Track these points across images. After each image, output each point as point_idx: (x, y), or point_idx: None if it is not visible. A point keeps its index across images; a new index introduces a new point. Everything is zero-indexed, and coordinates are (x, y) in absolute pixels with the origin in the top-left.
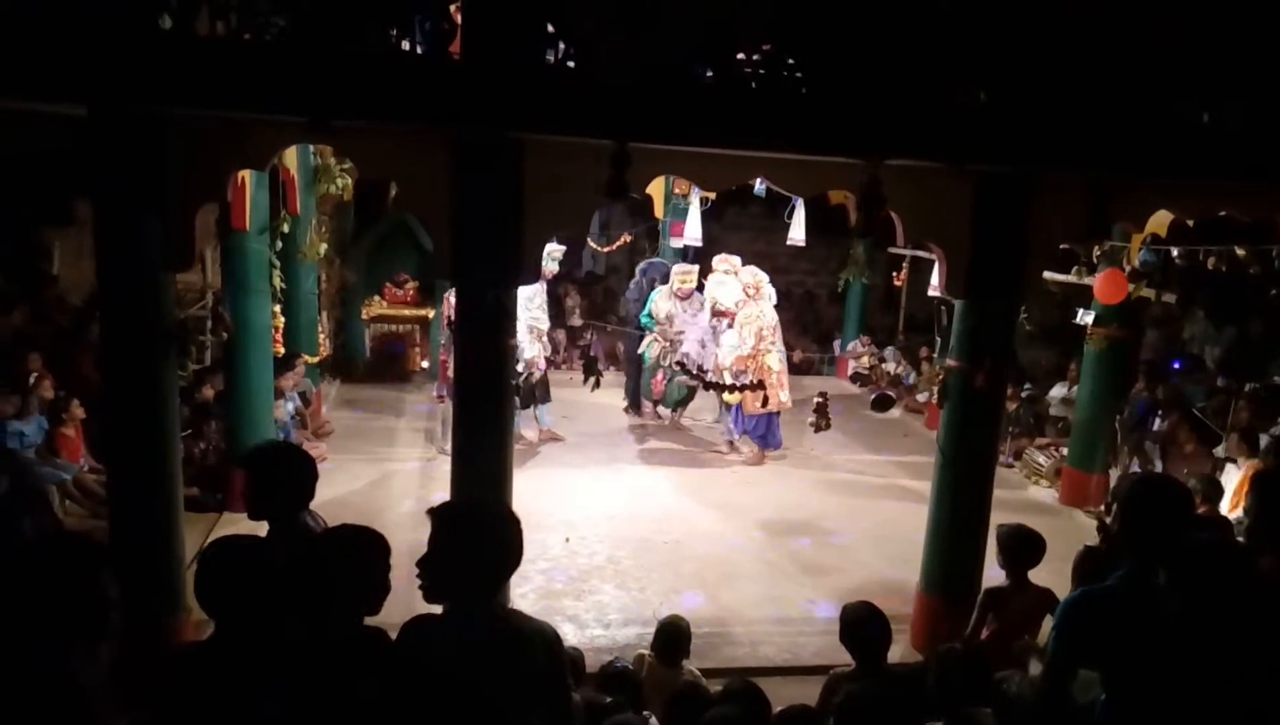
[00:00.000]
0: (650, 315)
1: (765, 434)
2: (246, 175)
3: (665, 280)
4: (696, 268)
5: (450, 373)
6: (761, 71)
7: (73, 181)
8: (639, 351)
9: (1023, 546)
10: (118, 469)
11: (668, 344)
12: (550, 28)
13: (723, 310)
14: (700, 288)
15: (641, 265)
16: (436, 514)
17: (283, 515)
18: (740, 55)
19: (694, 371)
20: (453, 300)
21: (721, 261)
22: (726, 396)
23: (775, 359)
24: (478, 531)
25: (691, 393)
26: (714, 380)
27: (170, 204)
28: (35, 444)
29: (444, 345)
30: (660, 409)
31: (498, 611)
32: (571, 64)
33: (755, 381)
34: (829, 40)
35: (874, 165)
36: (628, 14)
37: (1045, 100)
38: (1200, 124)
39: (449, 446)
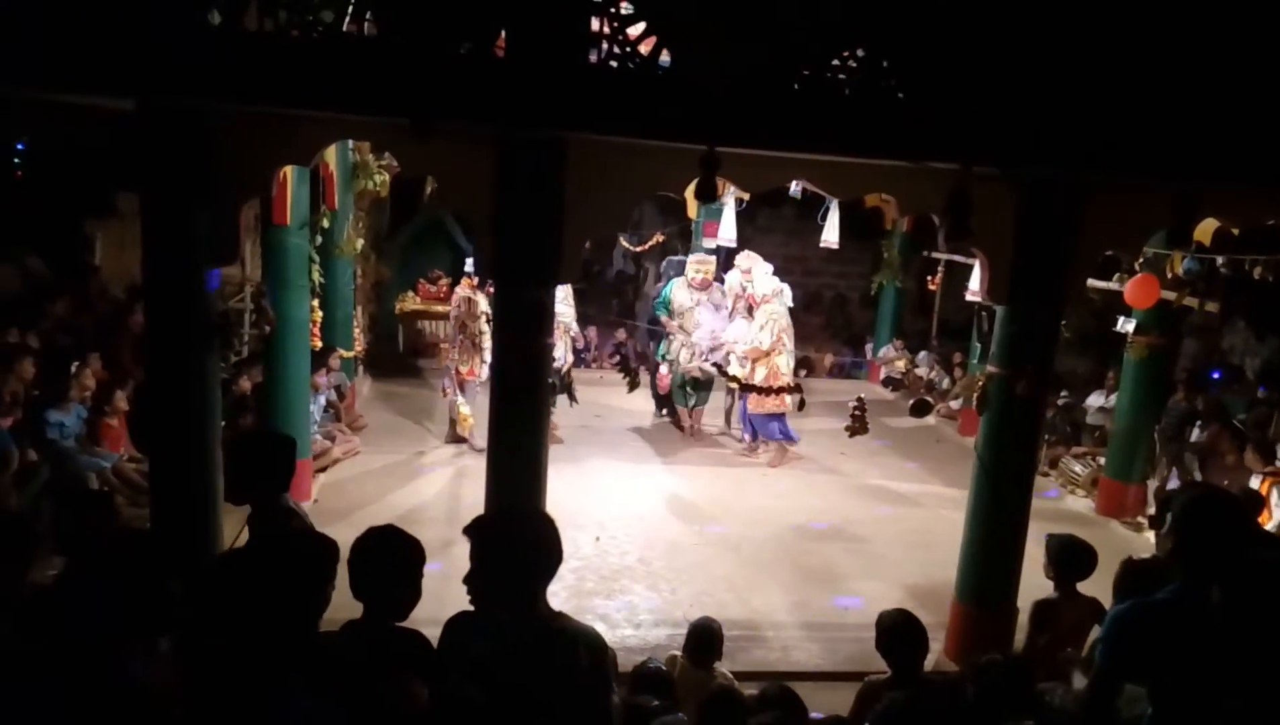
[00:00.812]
0: (665, 305)
1: (785, 431)
2: (289, 171)
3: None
4: (714, 258)
5: (455, 368)
6: (847, 77)
7: (115, 174)
8: (659, 354)
9: (1074, 558)
10: (159, 458)
11: (691, 342)
12: (602, 27)
13: (752, 296)
14: (720, 279)
15: (663, 265)
16: (473, 530)
17: (263, 499)
18: (834, 61)
19: (728, 373)
20: (460, 293)
21: (748, 258)
22: (729, 383)
23: (784, 361)
24: (514, 543)
25: (708, 391)
26: (745, 380)
27: (216, 198)
28: (75, 433)
29: (448, 342)
30: (677, 413)
31: (543, 613)
32: (614, 64)
33: (794, 385)
34: (921, 47)
35: (963, 171)
36: (722, 17)
37: (1098, 105)
38: (1249, 130)
39: (460, 444)
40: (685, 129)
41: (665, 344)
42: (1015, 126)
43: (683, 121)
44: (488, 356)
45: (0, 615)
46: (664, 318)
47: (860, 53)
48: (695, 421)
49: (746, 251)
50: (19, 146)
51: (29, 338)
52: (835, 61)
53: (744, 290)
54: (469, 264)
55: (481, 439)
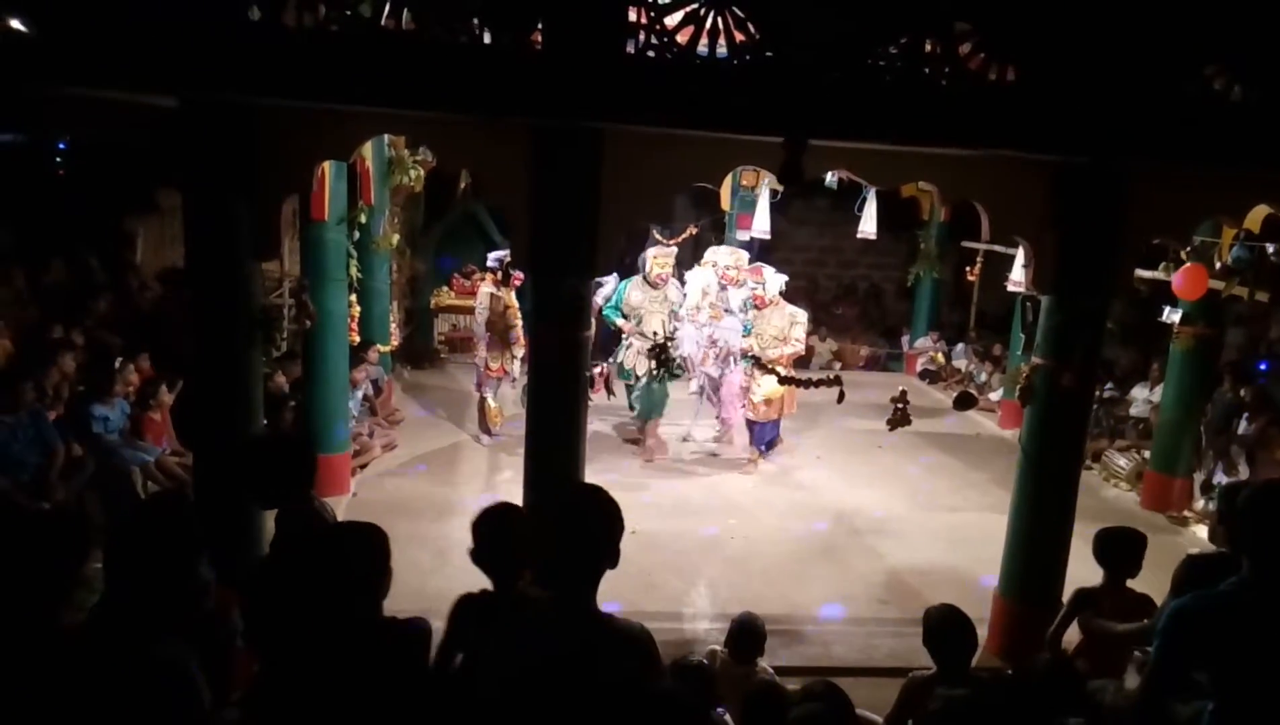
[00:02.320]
0: (616, 308)
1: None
2: (326, 166)
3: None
4: (674, 251)
5: (484, 364)
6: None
7: (156, 171)
8: (617, 362)
9: (1124, 550)
10: (203, 452)
11: (651, 344)
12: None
13: (761, 297)
14: (681, 278)
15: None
16: (545, 505)
17: (288, 501)
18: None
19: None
20: (484, 290)
21: (732, 253)
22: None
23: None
24: (590, 519)
25: (664, 402)
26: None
27: (257, 194)
28: (119, 428)
29: (477, 339)
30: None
31: (594, 612)
32: (652, 54)
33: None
34: (1004, 33)
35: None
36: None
37: (1140, 90)
38: None
39: (484, 436)
40: (742, 119)
41: (621, 351)
42: (1085, 115)
43: (741, 111)
44: (518, 351)
45: (59, 609)
46: (619, 322)
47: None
48: (653, 435)
49: (729, 248)
50: (60, 145)
51: (73, 333)
52: (893, 48)
53: (747, 288)
54: (490, 259)
55: (508, 428)
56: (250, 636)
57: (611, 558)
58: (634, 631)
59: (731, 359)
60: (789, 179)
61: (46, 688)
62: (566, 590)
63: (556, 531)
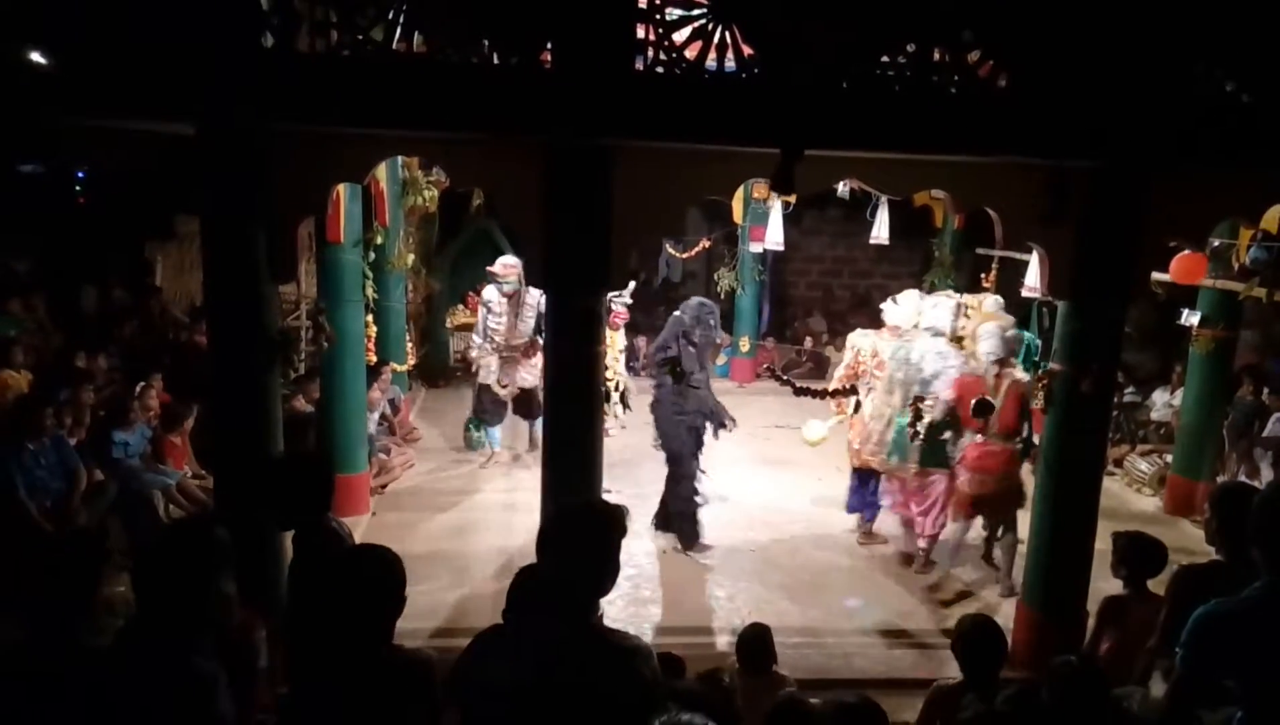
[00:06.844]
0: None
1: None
2: (341, 189)
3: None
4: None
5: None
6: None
7: (174, 198)
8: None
9: (1143, 555)
10: (223, 475)
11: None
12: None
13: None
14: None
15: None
16: (558, 522)
17: (306, 521)
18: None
19: None
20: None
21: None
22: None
23: None
24: (601, 534)
25: None
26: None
27: (274, 218)
28: (139, 452)
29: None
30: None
31: (588, 624)
32: (660, 70)
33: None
34: (1009, 35)
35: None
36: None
37: (1152, 92)
38: None
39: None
40: (746, 132)
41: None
42: (1097, 119)
43: (744, 124)
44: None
45: (75, 625)
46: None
47: (947, 44)
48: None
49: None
50: (79, 175)
51: (96, 360)
52: (901, 57)
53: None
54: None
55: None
56: (282, 662)
57: (611, 572)
58: (630, 645)
59: None
60: (781, 187)
61: (71, 706)
62: (564, 604)
63: (554, 546)
